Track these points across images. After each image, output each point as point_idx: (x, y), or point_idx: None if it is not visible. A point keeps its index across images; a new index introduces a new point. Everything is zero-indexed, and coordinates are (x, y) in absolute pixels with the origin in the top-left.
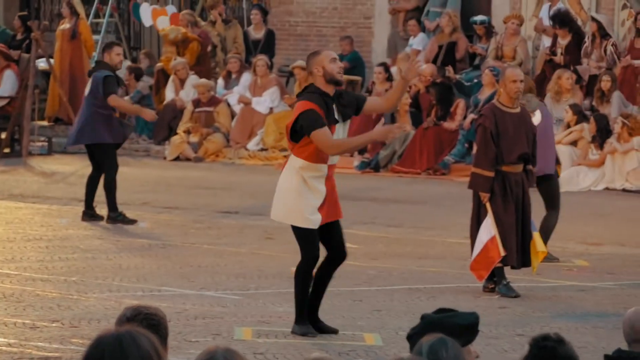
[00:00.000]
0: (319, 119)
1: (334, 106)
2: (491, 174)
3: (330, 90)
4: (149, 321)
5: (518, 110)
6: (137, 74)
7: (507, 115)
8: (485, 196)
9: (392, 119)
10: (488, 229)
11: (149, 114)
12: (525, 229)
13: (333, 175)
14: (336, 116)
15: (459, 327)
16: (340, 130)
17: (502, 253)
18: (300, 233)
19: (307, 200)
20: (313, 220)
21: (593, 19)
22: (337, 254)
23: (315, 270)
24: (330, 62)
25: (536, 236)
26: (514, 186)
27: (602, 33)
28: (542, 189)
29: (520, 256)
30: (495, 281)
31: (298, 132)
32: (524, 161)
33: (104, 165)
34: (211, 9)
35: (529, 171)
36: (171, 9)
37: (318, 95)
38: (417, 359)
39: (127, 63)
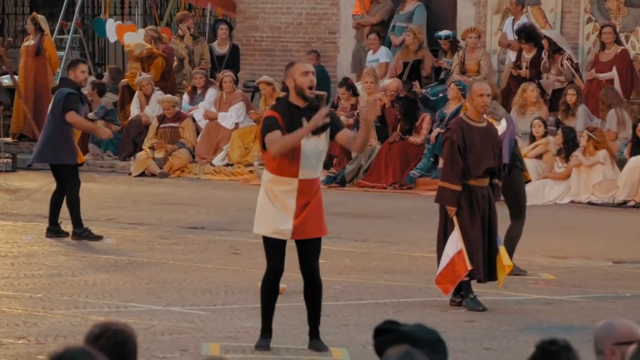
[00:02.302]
0: (273, 125)
1: (304, 119)
2: (458, 187)
3: (300, 103)
4: (118, 338)
5: (485, 124)
6: (101, 89)
7: (474, 129)
8: (452, 210)
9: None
10: (455, 242)
11: (105, 132)
12: (492, 242)
13: (312, 191)
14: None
15: (435, 341)
16: (312, 144)
17: (469, 267)
18: (265, 243)
19: (272, 211)
20: (279, 232)
21: (544, 36)
22: (306, 279)
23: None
24: (302, 75)
25: (502, 250)
26: (480, 200)
27: (554, 48)
28: (509, 194)
29: (487, 270)
30: (462, 295)
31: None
32: (491, 175)
33: (66, 183)
34: (180, 23)
35: (495, 185)
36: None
37: (285, 107)
38: None
39: (92, 79)
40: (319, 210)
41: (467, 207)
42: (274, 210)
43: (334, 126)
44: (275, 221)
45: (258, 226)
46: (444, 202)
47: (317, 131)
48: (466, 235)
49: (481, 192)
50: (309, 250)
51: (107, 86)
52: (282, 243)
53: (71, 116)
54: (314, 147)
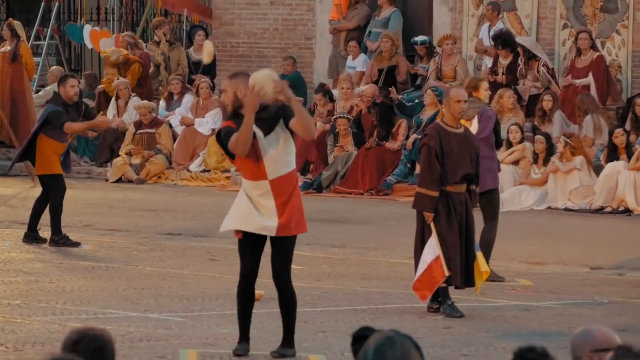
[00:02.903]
0: (228, 132)
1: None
2: (436, 193)
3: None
4: (96, 343)
5: (462, 130)
6: None
7: (451, 135)
8: (429, 216)
9: (335, 139)
10: (432, 249)
11: (101, 122)
12: (469, 249)
13: (289, 187)
14: (256, 132)
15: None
16: (271, 141)
17: (447, 273)
18: (242, 242)
19: (255, 212)
20: (264, 228)
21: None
22: (278, 291)
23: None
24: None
25: (479, 256)
26: (457, 206)
27: (529, 55)
28: (484, 201)
29: (464, 276)
30: (439, 301)
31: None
32: (468, 181)
33: (50, 189)
34: (156, 29)
35: (473, 191)
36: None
37: (234, 116)
38: None
39: None
40: (300, 207)
41: (445, 213)
42: (257, 212)
43: (286, 117)
44: (260, 219)
45: (242, 224)
46: (421, 208)
47: (269, 128)
48: (443, 241)
49: (458, 198)
50: (280, 251)
51: (83, 92)
52: (261, 243)
53: (67, 127)
54: (274, 143)
